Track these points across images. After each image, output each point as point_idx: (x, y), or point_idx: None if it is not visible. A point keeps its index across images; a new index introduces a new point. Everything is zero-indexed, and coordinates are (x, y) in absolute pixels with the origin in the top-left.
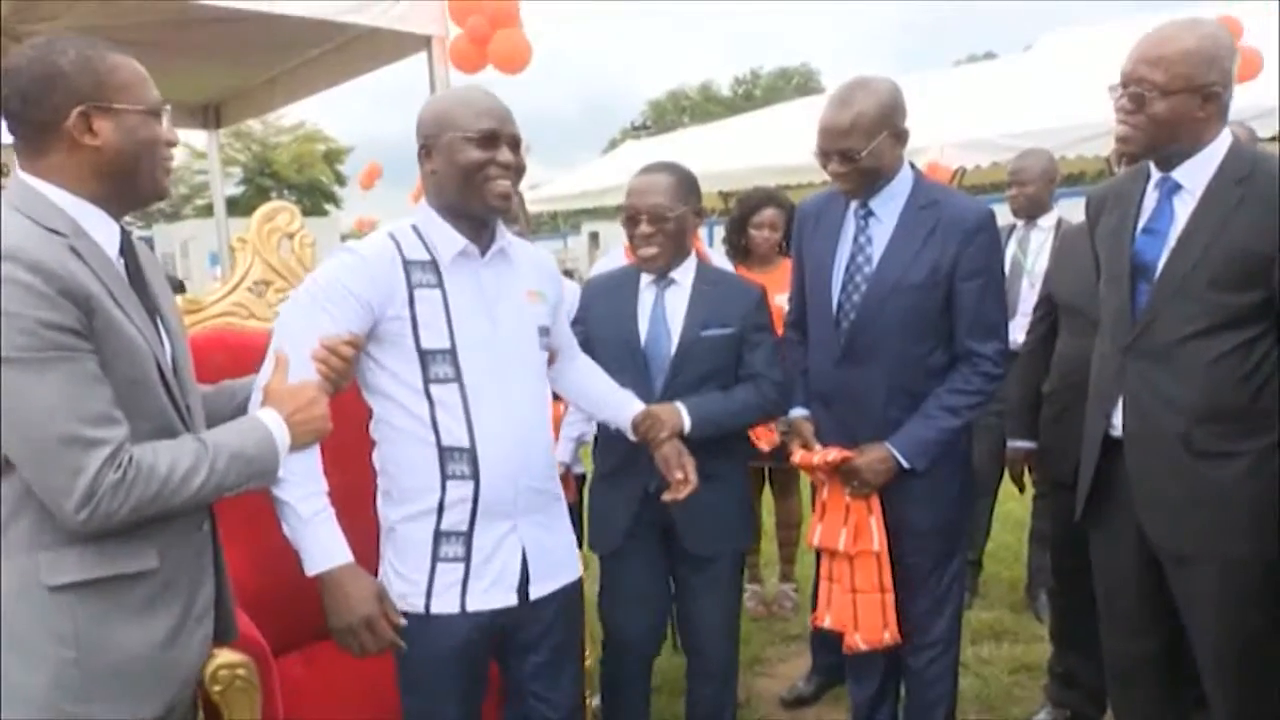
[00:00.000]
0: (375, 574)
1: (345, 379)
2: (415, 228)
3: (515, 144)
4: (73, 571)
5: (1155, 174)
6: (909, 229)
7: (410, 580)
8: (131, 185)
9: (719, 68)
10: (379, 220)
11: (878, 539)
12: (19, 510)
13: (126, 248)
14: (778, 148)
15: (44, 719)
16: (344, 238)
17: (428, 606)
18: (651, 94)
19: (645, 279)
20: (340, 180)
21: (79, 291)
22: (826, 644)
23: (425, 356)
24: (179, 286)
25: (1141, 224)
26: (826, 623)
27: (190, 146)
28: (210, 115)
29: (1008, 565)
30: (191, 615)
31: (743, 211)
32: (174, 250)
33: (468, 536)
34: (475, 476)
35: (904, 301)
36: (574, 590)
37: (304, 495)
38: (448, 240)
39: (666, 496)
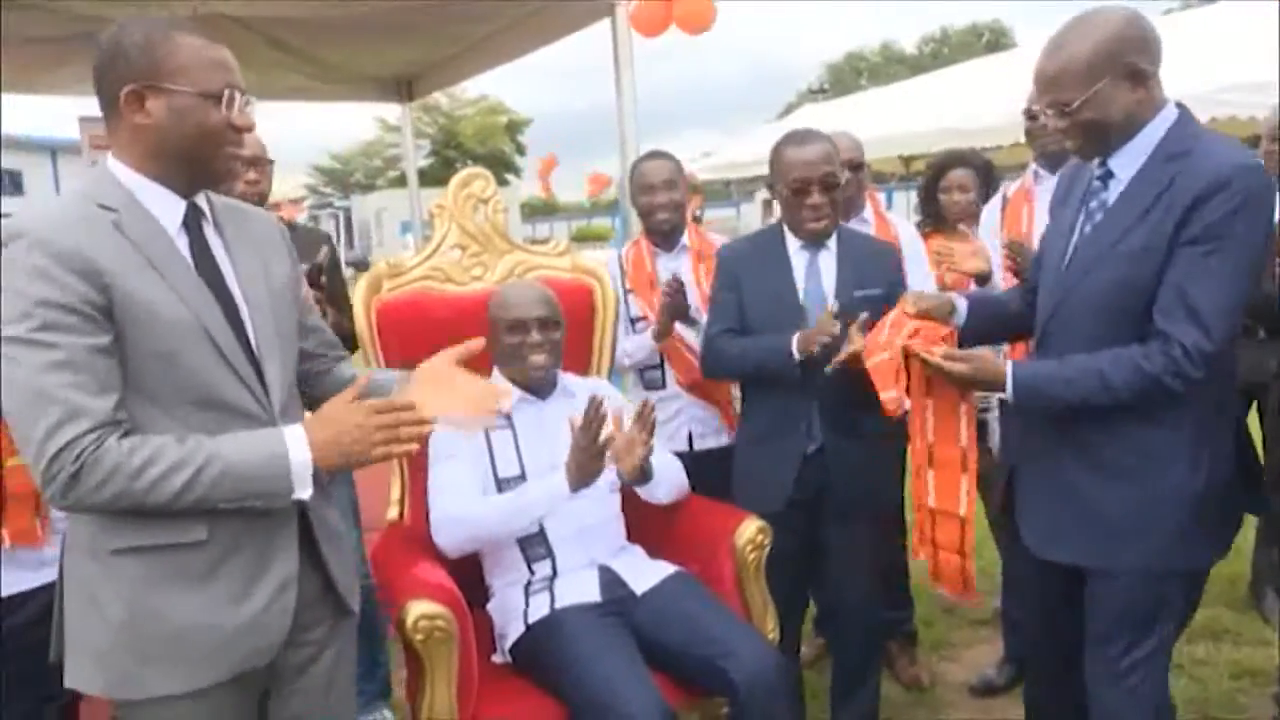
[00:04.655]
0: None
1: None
2: None
3: (545, 325)
4: (128, 537)
5: None
6: (1141, 186)
7: (511, 612)
8: (191, 165)
9: (895, 27)
10: (553, 188)
11: (965, 504)
12: None
13: (192, 222)
14: (964, 109)
15: (105, 675)
16: (524, 206)
17: (526, 620)
18: (828, 56)
19: (794, 243)
20: (521, 151)
21: (92, 271)
22: (1020, 632)
23: (501, 484)
24: (361, 265)
25: None
26: (922, 556)
27: (383, 120)
28: (403, 89)
29: (1227, 559)
30: (259, 587)
31: (931, 175)
32: (369, 219)
33: (550, 579)
34: (550, 554)
35: (1110, 273)
36: (683, 574)
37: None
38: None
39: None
